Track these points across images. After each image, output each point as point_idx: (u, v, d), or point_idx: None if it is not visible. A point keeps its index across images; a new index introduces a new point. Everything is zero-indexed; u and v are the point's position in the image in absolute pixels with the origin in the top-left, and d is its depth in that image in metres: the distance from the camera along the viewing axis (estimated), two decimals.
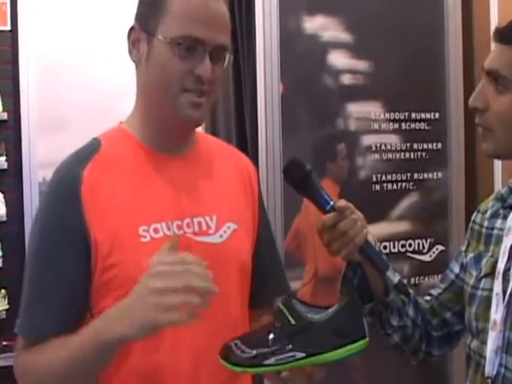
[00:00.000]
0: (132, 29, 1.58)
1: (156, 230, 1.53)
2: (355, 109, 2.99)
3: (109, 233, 1.50)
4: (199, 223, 1.60)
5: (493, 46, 1.57)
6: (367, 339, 1.46)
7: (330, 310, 1.47)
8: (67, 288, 1.51)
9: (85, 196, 1.51)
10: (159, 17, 1.53)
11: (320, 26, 2.92)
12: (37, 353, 1.49)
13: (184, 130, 1.64)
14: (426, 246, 3.14)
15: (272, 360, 1.43)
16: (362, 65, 2.99)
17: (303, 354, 1.43)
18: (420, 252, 3.13)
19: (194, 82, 1.54)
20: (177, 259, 1.36)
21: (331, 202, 1.56)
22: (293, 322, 1.45)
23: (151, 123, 1.61)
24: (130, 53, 1.59)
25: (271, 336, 1.45)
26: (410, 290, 1.77)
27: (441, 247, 3.17)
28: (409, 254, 3.11)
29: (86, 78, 4.35)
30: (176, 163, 1.62)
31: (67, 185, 1.54)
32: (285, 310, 1.46)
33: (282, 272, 1.85)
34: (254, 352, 1.44)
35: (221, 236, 1.62)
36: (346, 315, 1.46)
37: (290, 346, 1.43)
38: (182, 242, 1.54)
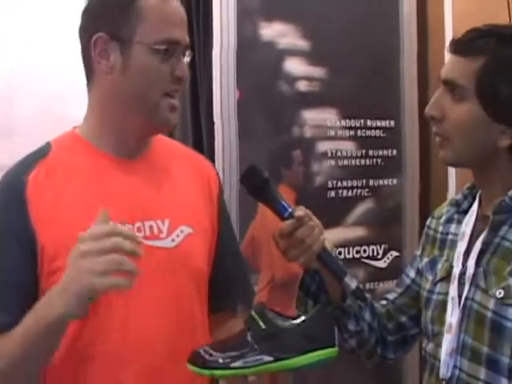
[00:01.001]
0: (98, 38, 1.57)
1: None
2: (311, 115, 3.00)
3: (55, 237, 1.51)
4: (150, 227, 1.61)
5: (448, 56, 1.61)
6: (337, 348, 1.48)
7: (301, 318, 1.49)
8: (16, 292, 1.52)
9: (30, 201, 1.52)
10: (134, 24, 1.55)
11: (277, 33, 2.92)
12: None
13: (153, 134, 1.66)
14: (381, 252, 3.17)
15: (239, 363, 1.44)
16: (318, 72, 3.00)
17: (271, 358, 1.45)
18: (375, 258, 3.16)
19: (174, 83, 1.58)
20: (107, 227, 1.37)
21: (289, 209, 1.58)
22: (263, 326, 1.47)
23: (110, 130, 1.62)
24: (97, 63, 1.58)
25: (240, 340, 1.47)
26: (367, 295, 1.79)
27: (395, 253, 3.20)
28: (363, 260, 3.13)
29: (35, 83, 4.30)
30: (129, 167, 1.63)
31: (12, 190, 1.55)
32: (256, 317, 1.48)
33: (246, 276, 1.88)
34: (223, 355, 1.46)
35: (173, 240, 1.63)
36: (317, 322, 1.49)
37: (259, 350, 1.45)
38: None
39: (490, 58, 1.52)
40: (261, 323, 1.47)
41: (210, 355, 1.46)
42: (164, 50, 1.55)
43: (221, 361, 1.45)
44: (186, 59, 1.62)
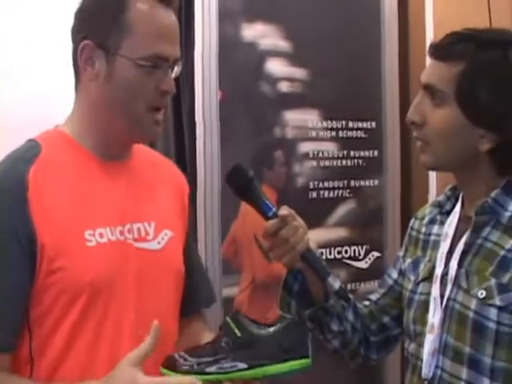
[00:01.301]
0: (85, 46, 1.55)
1: (101, 235, 1.54)
2: (293, 116, 3.01)
3: (55, 236, 1.50)
4: (138, 229, 1.61)
5: (428, 60, 1.62)
6: (310, 360, 1.48)
7: (277, 326, 1.48)
8: (12, 293, 1.49)
9: (31, 199, 1.50)
10: (122, 36, 1.53)
11: (258, 34, 2.92)
12: None
13: (135, 143, 1.66)
14: (362, 253, 3.18)
15: (213, 368, 1.43)
16: (300, 73, 3.01)
17: (245, 365, 1.44)
18: (356, 258, 3.17)
19: (159, 97, 1.56)
20: None
21: (273, 209, 1.58)
22: (238, 334, 1.46)
23: (97, 132, 1.61)
24: (83, 69, 1.57)
25: (215, 347, 1.47)
26: (350, 296, 1.80)
27: (376, 254, 3.21)
28: (345, 261, 3.14)
29: (19, 81, 4.27)
30: (117, 170, 1.63)
31: (14, 187, 1.52)
32: (232, 324, 1.48)
33: (209, 282, 1.88)
34: (197, 360, 1.45)
35: (158, 243, 1.63)
36: (291, 332, 1.49)
37: (233, 357, 1.44)
38: (122, 248, 1.57)
39: (469, 63, 1.52)
40: (236, 331, 1.47)
41: (185, 360, 1.45)
42: (150, 65, 1.53)
43: (195, 366, 1.44)
44: (175, 72, 1.60)
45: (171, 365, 1.46)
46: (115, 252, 1.55)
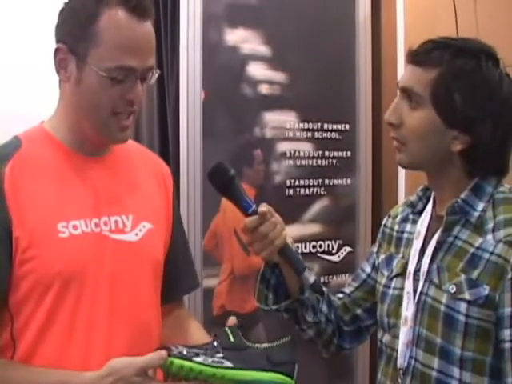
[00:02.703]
0: (59, 49, 1.52)
1: (75, 227, 1.52)
2: (272, 117, 2.99)
3: (28, 229, 1.48)
4: (116, 222, 1.58)
5: (400, 63, 1.61)
6: (293, 381, 1.47)
7: (269, 344, 1.48)
8: None
9: (8, 193, 1.48)
10: (90, 44, 1.48)
11: (240, 38, 2.91)
12: None
13: (106, 143, 1.63)
14: (335, 247, 3.17)
15: (200, 359, 1.41)
16: (278, 76, 3.00)
17: (231, 365, 1.43)
18: (329, 253, 3.16)
19: (125, 105, 1.53)
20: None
21: (253, 206, 1.57)
22: (232, 339, 1.46)
23: (75, 129, 1.58)
24: (57, 71, 1.55)
25: (209, 344, 1.46)
26: (324, 289, 1.79)
27: (349, 248, 3.20)
28: (319, 255, 3.13)
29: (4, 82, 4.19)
30: (96, 165, 1.60)
31: None
32: (228, 331, 1.48)
33: (193, 268, 1.85)
34: (188, 349, 1.43)
35: (136, 234, 1.61)
36: (281, 351, 1.48)
37: (222, 355, 1.43)
38: (98, 240, 1.54)
39: (445, 68, 1.52)
40: (230, 336, 1.47)
41: (177, 348, 1.44)
42: (112, 78, 1.48)
43: (185, 352, 1.42)
44: (151, 79, 1.55)
45: (162, 349, 1.43)
46: (89, 243, 1.53)
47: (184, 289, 1.83)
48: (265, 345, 1.48)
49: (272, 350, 1.48)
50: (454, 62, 1.52)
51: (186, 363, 1.40)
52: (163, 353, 1.40)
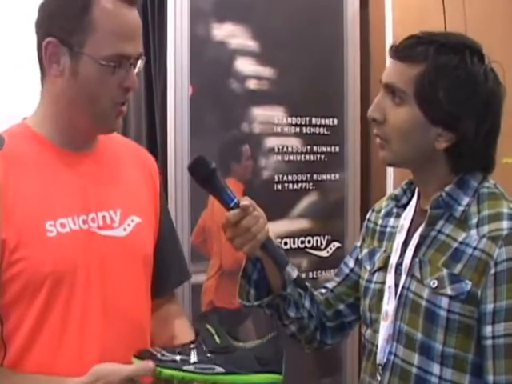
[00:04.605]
0: (49, 43, 1.48)
1: (62, 225, 1.48)
2: (259, 112, 2.97)
3: (15, 230, 1.44)
4: (103, 217, 1.55)
5: (388, 60, 1.58)
6: (282, 377, 1.45)
7: (255, 342, 1.45)
8: None
9: None
10: (85, 34, 1.46)
11: (228, 33, 2.88)
12: None
13: (98, 134, 1.60)
14: (324, 243, 3.15)
15: (191, 367, 1.38)
16: (266, 72, 2.97)
17: (222, 370, 1.40)
18: (318, 248, 3.14)
19: (122, 93, 1.51)
20: None
21: (235, 200, 1.55)
22: (218, 341, 1.42)
23: (61, 125, 1.55)
24: (47, 66, 1.51)
25: (195, 348, 1.41)
26: (307, 284, 1.77)
27: (337, 244, 3.18)
28: (307, 250, 3.11)
29: None
30: (81, 159, 1.57)
31: None
32: (212, 330, 1.43)
33: (183, 262, 1.83)
34: (175, 357, 1.39)
35: (124, 229, 1.58)
36: (268, 349, 1.45)
37: (212, 360, 1.39)
38: (86, 237, 1.51)
39: (428, 64, 1.49)
40: (216, 337, 1.43)
41: (162, 355, 1.39)
42: (113, 64, 1.47)
43: (173, 361, 1.38)
44: (139, 66, 1.54)
45: (145, 355, 1.39)
46: (77, 241, 1.50)
47: (174, 282, 1.80)
48: (251, 343, 1.45)
49: (259, 348, 1.45)
50: (438, 57, 1.49)
51: (177, 373, 1.37)
52: (150, 364, 1.36)
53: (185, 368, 1.37)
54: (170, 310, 1.76)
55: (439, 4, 3.09)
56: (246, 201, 1.55)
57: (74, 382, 1.38)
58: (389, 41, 3.11)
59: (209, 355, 1.40)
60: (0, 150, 1.49)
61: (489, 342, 1.43)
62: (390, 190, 3.13)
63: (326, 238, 3.17)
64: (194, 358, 1.39)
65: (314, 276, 3.12)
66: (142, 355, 1.40)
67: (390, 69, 1.56)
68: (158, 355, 1.39)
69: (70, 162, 1.55)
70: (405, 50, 1.53)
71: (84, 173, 1.56)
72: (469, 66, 1.49)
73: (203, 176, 1.55)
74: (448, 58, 1.49)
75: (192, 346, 1.42)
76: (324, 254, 3.17)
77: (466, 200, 1.52)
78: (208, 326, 1.45)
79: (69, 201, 1.52)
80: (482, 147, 1.53)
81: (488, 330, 1.43)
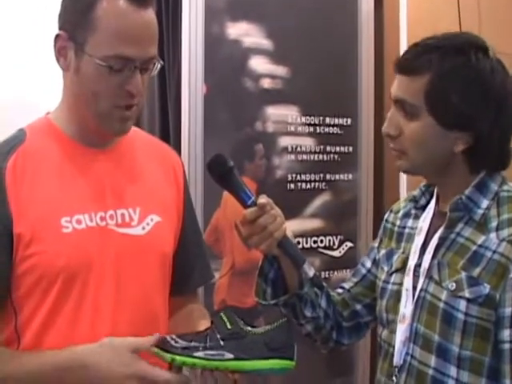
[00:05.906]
0: (58, 36, 1.48)
1: (78, 221, 1.48)
2: (273, 112, 2.96)
3: (30, 224, 1.45)
4: (122, 215, 1.55)
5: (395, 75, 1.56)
6: (294, 362, 1.45)
7: (266, 327, 1.45)
8: None
9: (9, 189, 1.45)
10: (88, 31, 1.44)
11: (242, 32, 2.87)
12: None
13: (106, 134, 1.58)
14: (336, 243, 3.14)
15: (201, 353, 1.40)
16: (280, 71, 2.96)
17: (231, 356, 1.41)
18: (330, 248, 3.13)
19: (125, 97, 1.48)
20: None
21: (252, 198, 1.54)
22: (229, 326, 1.43)
23: (78, 121, 1.54)
24: (57, 59, 1.50)
25: (207, 335, 1.43)
26: (324, 283, 1.76)
27: (350, 244, 3.17)
28: (320, 250, 3.10)
29: (9, 73, 4.14)
30: (100, 157, 1.56)
31: None
32: (224, 317, 1.45)
33: (206, 261, 1.81)
34: (188, 344, 1.41)
35: (143, 228, 1.57)
36: (279, 334, 1.46)
37: (222, 346, 1.41)
38: (102, 234, 1.51)
39: (434, 72, 1.47)
40: (227, 323, 1.44)
41: (176, 342, 1.42)
42: (113, 66, 1.44)
43: (185, 348, 1.40)
44: (151, 71, 1.51)
45: (161, 343, 1.42)
46: (93, 238, 1.50)
47: (196, 281, 1.79)
48: (261, 329, 1.45)
49: (269, 333, 1.45)
50: (442, 63, 1.48)
51: (188, 359, 1.39)
52: (152, 338, 1.40)
53: (195, 355, 1.40)
54: (194, 309, 1.75)
55: (454, 2, 3.09)
56: (263, 199, 1.55)
57: (81, 347, 1.42)
58: (403, 40, 3.10)
59: (221, 342, 1.41)
60: (21, 145, 1.50)
61: (506, 346, 1.42)
62: (404, 190, 3.14)
63: (339, 237, 3.16)
64: (205, 344, 1.41)
65: (327, 276, 3.11)
66: (158, 343, 1.42)
67: (397, 83, 1.54)
68: (172, 342, 1.42)
69: (89, 159, 1.55)
70: (408, 63, 1.51)
71: (103, 170, 1.55)
72: (475, 64, 1.48)
73: (221, 173, 1.55)
74: (453, 62, 1.48)
75: (206, 333, 1.44)
76: (336, 253, 3.16)
77: (485, 203, 1.51)
78: (221, 314, 1.47)
79: (86, 197, 1.51)
80: (498, 142, 1.52)
81: (506, 333, 1.42)
